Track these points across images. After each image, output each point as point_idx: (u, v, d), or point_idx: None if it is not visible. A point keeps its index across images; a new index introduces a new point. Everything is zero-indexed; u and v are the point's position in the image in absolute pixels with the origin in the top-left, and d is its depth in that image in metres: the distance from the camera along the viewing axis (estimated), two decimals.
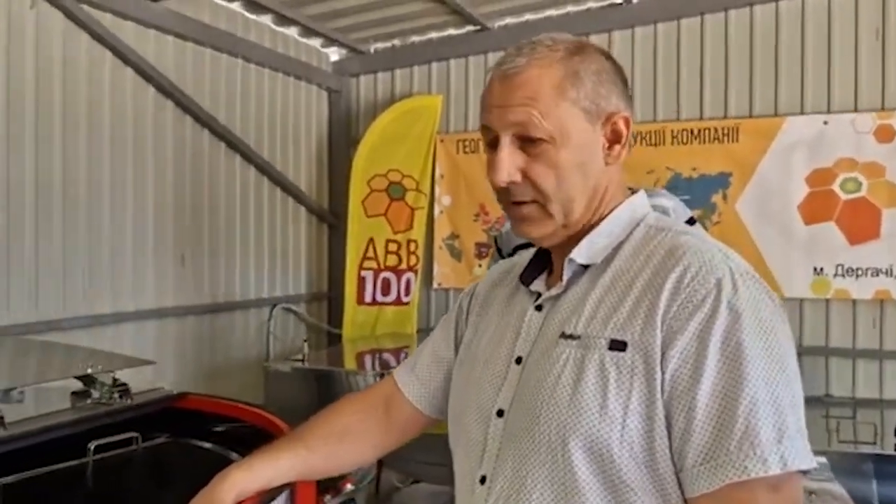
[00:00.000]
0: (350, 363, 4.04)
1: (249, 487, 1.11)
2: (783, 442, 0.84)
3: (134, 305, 3.46)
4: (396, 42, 4.75)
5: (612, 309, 0.96)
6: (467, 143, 4.55)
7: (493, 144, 1.01)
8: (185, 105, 3.68)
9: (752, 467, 0.83)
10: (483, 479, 1.01)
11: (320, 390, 3.53)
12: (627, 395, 0.90)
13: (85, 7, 3.15)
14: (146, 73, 3.46)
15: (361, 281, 4.53)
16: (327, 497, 1.90)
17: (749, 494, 0.84)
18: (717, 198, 3.92)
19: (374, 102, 4.87)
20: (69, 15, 3.10)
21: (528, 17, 4.35)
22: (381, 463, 3.44)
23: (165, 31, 3.58)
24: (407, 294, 4.54)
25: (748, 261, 0.99)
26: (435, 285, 4.66)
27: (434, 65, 4.67)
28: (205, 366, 3.89)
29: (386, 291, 4.53)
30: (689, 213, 2.07)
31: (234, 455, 1.57)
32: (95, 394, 1.69)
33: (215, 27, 3.85)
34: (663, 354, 0.90)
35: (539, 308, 1.06)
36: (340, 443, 1.22)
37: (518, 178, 0.99)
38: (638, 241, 1.02)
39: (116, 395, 1.69)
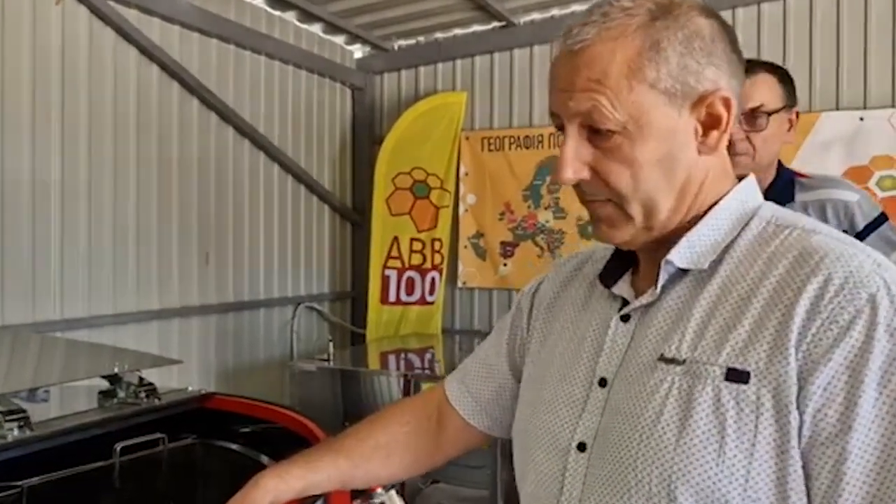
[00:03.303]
0: (374, 363, 4.00)
1: (283, 496, 1.02)
2: None
3: (158, 304, 3.44)
4: (421, 39, 4.70)
5: (726, 328, 0.78)
6: (492, 140, 4.50)
7: (562, 129, 0.85)
8: (209, 102, 3.66)
9: None
10: None
11: (345, 390, 3.49)
12: (752, 440, 0.73)
13: (110, 3, 3.14)
14: (171, 70, 3.44)
15: (385, 280, 4.49)
16: (356, 502, 1.86)
17: None
18: None
19: (397, 100, 4.82)
20: (94, 11, 3.09)
21: (555, 12, 4.28)
22: None
23: (190, 28, 3.56)
24: (432, 293, 4.50)
25: None
26: (459, 284, 4.61)
27: (458, 62, 4.62)
28: (229, 364, 3.87)
29: (410, 291, 4.49)
30: (878, 209, 1.75)
31: (262, 457, 1.53)
32: (122, 393, 1.66)
33: (240, 23, 3.83)
34: (801, 389, 0.73)
35: (625, 318, 0.88)
36: (387, 458, 1.11)
37: (586, 175, 0.84)
38: (752, 240, 0.84)
39: (143, 395, 1.65)
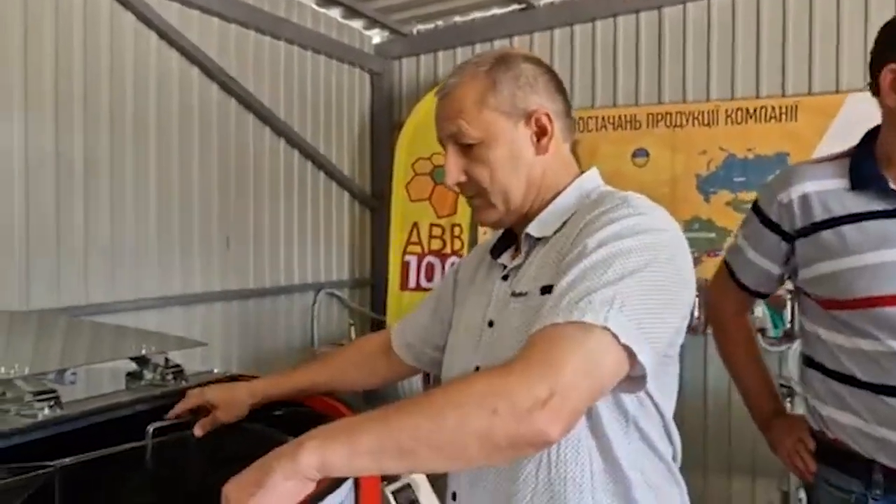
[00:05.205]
0: None
1: (268, 393, 1.51)
2: (609, 311, 0.93)
3: (181, 289, 3.45)
4: (439, 23, 4.67)
5: (546, 262, 1.14)
6: None
7: (445, 151, 1.22)
8: (229, 88, 3.65)
9: (576, 315, 0.94)
10: None
11: None
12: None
13: None
14: (191, 55, 3.43)
15: (405, 266, 4.47)
16: (384, 483, 1.86)
17: (560, 329, 0.94)
18: None
19: (416, 85, 4.79)
20: None
21: None
22: None
23: (210, 13, 3.54)
24: None
25: None
26: None
27: (478, 46, 4.57)
28: (250, 350, 3.88)
29: (430, 276, 4.47)
30: None
31: (290, 438, 1.51)
32: (149, 375, 1.65)
33: (259, 8, 3.81)
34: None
35: (505, 278, 1.23)
36: (343, 375, 1.57)
37: (463, 178, 1.20)
38: (583, 211, 1.14)
39: (170, 377, 1.64)
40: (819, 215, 1.54)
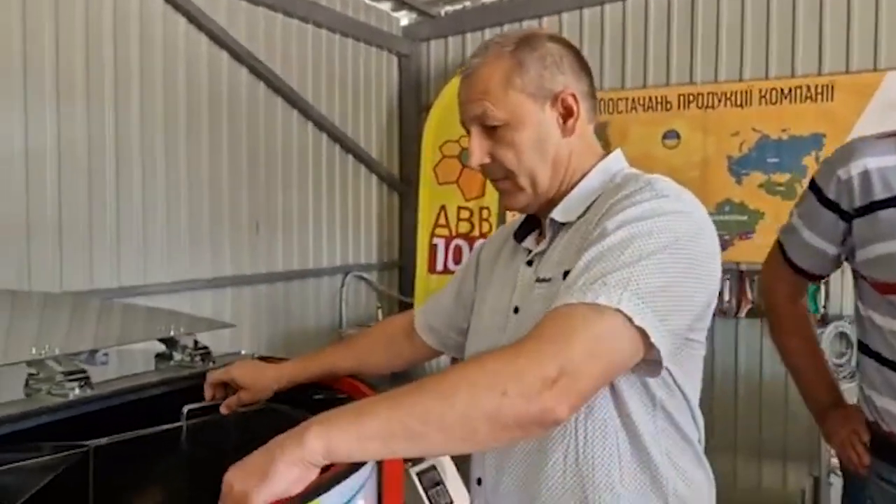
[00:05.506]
0: None
1: (294, 377, 1.47)
2: (623, 293, 0.93)
3: (211, 272, 3.48)
4: (467, 4, 4.63)
5: (570, 247, 1.12)
6: None
7: (469, 132, 1.19)
8: (258, 71, 3.67)
9: (589, 296, 0.94)
10: None
11: None
12: None
13: None
14: (220, 39, 3.44)
15: (433, 249, 4.46)
16: (409, 464, 1.86)
17: (572, 310, 0.94)
18: (809, 160, 3.70)
19: (444, 67, 4.77)
20: None
21: None
22: None
23: None
24: None
25: None
26: None
27: (506, 27, 4.52)
28: (279, 332, 3.91)
29: (458, 259, 4.46)
30: None
31: None
32: (177, 356, 1.66)
33: None
34: None
35: (530, 263, 1.21)
36: (368, 358, 1.53)
37: (487, 160, 1.17)
38: (608, 194, 1.12)
39: (198, 359, 1.66)
40: (879, 193, 1.44)
